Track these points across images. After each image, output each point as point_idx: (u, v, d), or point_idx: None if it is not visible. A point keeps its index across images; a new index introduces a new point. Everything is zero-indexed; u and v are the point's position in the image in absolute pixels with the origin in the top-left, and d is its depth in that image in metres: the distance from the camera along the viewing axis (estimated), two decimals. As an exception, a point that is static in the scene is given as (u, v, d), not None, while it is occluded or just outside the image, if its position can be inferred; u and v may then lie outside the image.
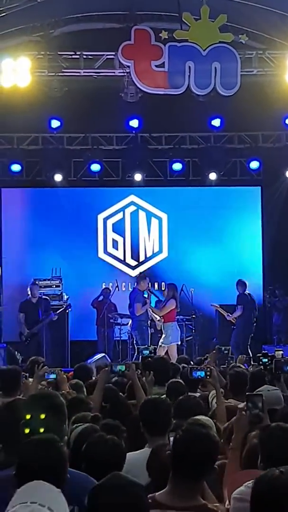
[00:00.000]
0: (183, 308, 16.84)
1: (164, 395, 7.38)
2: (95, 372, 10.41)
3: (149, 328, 16.32)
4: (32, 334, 16.34)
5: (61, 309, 16.86)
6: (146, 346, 13.16)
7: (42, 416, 3.73)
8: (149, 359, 9.35)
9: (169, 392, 7.59)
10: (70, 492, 3.79)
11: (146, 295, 16.44)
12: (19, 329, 16.63)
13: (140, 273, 17.19)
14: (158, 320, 16.26)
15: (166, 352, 15.22)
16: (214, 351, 9.95)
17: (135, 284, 16.86)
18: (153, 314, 16.35)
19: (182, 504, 3.87)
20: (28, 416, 3.82)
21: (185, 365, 9.68)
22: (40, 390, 7.81)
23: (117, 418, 5.51)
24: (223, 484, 4.65)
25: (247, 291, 17.35)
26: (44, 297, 16.79)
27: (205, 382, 8.08)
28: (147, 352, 10.42)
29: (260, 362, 8.35)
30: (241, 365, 9.70)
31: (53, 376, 8.04)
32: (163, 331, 16.02)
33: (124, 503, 2.97)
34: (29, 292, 16.78)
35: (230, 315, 17.06)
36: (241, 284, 17.31)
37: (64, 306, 16.97)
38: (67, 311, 16.97)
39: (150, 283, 16.88)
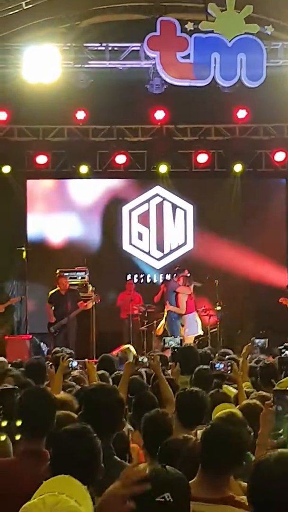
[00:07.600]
0: (208, 300, 16.80)
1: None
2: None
3: (178, 320, 16.32)
4: (62, 326, 16.23)
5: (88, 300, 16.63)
6: (172, 337, 13.12)
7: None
8: (176, 349, 9.34)
9: (196, 380, 7.54)
10: None
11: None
12: (48, 320, 16.44)
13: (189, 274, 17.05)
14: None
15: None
16: (249, 344, 9.87)
17: (174, 276, 16.96)
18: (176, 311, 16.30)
19: (208, 496, 3.90)
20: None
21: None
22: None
23: (143, 411, 5.53)
24: None
25: None
26: (71, 288, 16.51)
27: (230, 376, 8.10)
28: (173, 343, 10.41)
29: (283, 355, 8.34)
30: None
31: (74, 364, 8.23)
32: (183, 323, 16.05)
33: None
34: (57, 284, 16.59)
35: None
36: None
37: (91, 298, 16.70)
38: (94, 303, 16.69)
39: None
